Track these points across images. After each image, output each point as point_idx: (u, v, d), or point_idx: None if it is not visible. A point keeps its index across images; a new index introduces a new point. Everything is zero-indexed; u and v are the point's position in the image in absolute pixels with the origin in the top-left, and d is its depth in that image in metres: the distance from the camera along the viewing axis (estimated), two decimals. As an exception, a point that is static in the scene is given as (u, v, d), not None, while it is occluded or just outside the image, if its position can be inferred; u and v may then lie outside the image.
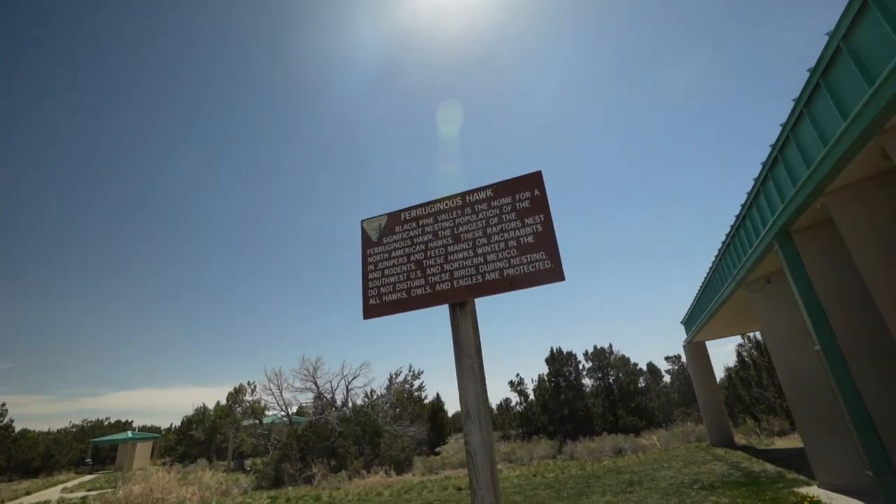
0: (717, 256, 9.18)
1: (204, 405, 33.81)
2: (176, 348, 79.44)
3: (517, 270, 2.30)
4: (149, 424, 50.79)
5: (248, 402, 28.28)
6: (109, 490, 13.14)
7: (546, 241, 2.31)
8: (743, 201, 6.72)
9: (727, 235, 8.04)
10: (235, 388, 30.30)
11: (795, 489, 6.38)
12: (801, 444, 11.84)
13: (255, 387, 28.82)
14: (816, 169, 4.26)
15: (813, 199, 4.62)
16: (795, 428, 16.10)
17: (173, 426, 41.03)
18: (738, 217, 7.14)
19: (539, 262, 2.27)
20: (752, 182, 6.15)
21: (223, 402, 32.06)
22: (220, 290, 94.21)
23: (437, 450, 25.32)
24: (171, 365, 77.71)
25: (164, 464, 27.59)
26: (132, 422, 45.96)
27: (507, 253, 2.36)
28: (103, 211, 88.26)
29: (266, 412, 26.18)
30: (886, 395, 4.58)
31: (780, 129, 4.97)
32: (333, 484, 13.74)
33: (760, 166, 5.69)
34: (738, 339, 23.14)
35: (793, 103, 4.59)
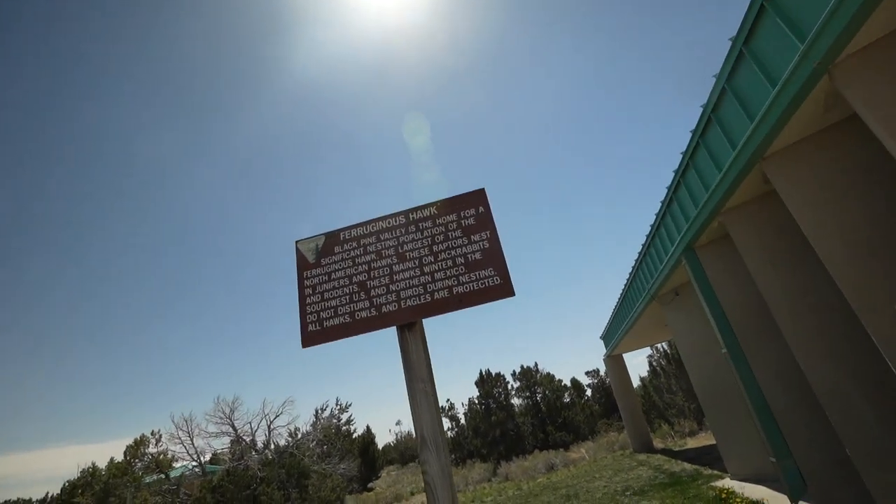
0: (631, 273, 9.99)
1: (93, 465, 28.90)
2: (46, 402, 67.48)
3: (466, 287, 2.26)
4: (14, 497, 42.19)
5: (152, 454, 24.80)
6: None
7: (494, 257, 2.30)
8: (652, 221, 7.43)
9: (640, 253, 8.80)
10: (136, 441, 26.34)
11: (713, 483, 6.93)
12: (709, 443, 13.02)
13: (160, 436, 25.41)
14: (714, 191, 4.84)
15: (712, 218, 5.22)
16: (705, 427, 17.73)
17: (50, 496, 34.52)
18: (648, 236, 7.86)
19: (488, 279, 2.25)
20: (660, 204, 6.83)
21: (119, 458, 27.72)
22: (105, 330, 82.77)
23: (370, 485, 24.05)
24: (41, 422, 65.78)
25: (37, 543, 22.90)
26: (-11, 496, 37.87)
27: (455, 270, 2.31)
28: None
29: (173, 464, 23.11)
30: (783, 390, 5.20)
31: (680, 156, 5.60)
32: (256, 539, 12.32)
33: (666, 189, 6.35)
34: (648, 351, 25.23)
35: (690, 134, 5.21)
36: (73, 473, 31.26)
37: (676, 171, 5.88)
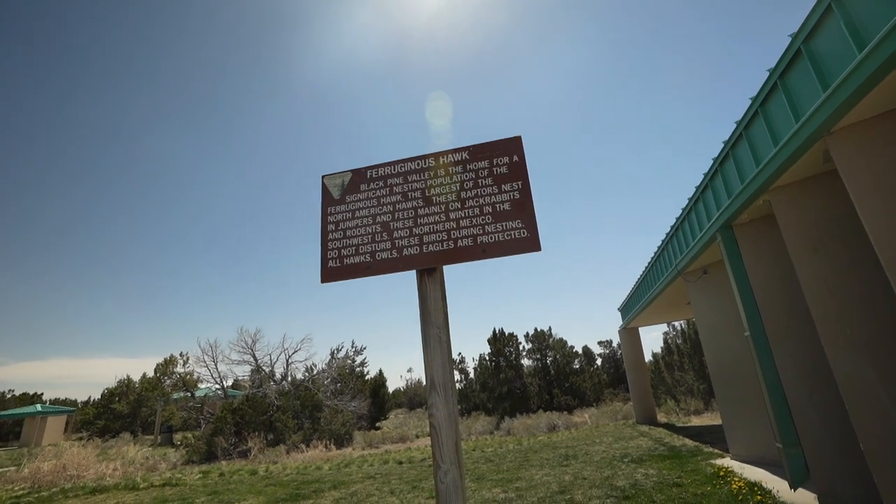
0: (660, 246, 9.67)
1: (128, 377, 31.51)
2: (95, 315, 72.96)
3: (491, 238, 2.18)
4: (62, 397, 46.70)
5: (179, 374, 26.77)
6: (12, 468, 11.90)
7: (523, 209, 2.20)
8: (690, 195, 7.05)
9: (672, 227, 8.45)
10: (165, 360, 28.52)
11: (712, 461, 6.99)
12: (714, 422, 13.08)
13: (187, 358, 27.33)
14: (766, 166, 4.49)
15: (758, 196, 4.89)
16: (711, 407, 17.78)
17: (92, 399, 37.98)
18: (684, 209, 7.50)
19: (515, 231, 2.16)
20: (702, 176, 6.45)
21: (150, 374, 30.05)
22: (149, 252, 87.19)
23: (378, 424, 25.46)
24: (90, 333, 71.54)
25: (80, 439, 25.54)
26: (42, 394, 42.04)
27: (482, 219, 2.23)
28: (13, 162, 77.99)
29: (199, 385, 24.92)
30: (800, 377, 5.05)
31: (734, 125, 5.19)
32: (270, 458, 13.36)
33: (711, 161, 5.95)
34: (663, 328, 25.03)
35: (749, 101, 4.79)
36: (111, 382, 34.24)
37: (726, 142, 5.48)
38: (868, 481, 4.39)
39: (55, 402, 43.17)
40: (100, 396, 31.16)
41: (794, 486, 4.92)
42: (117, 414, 28.84)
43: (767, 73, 4.39)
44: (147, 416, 29.93)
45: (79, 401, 43.79)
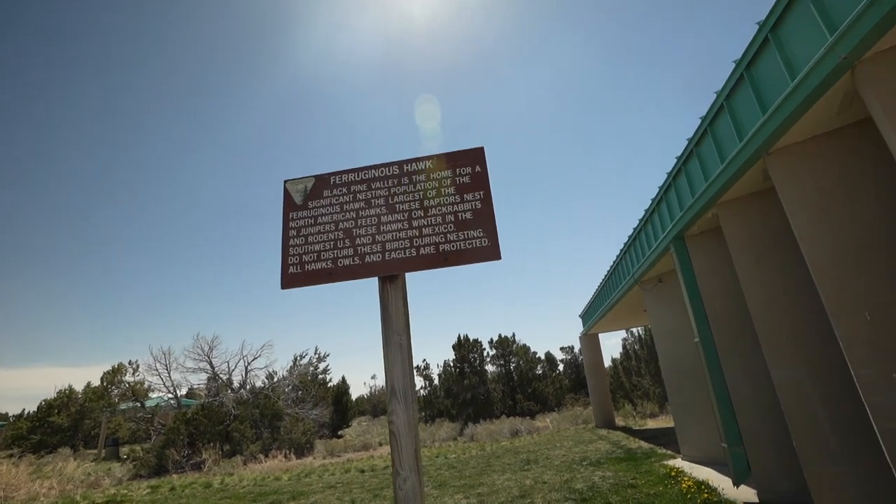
0: (618, 256, 10.07)
1: (70, 387, 29.34)
2: (32, 321, 67.59)
3: (453, 246, 2.22)
4: (-8, 409, 42.86)
5: (129, 383, 25.22)
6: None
7: (485, 218, 2.25)
8: (647, 207, 7.40)
9: (630, 237, 8.83)
10: (113, 368, 26.79)
11: (665, 462, 7.31)
12: (667, 425, 13.66)
13: (137, 366, 25.78)
14: (714, 181, 4.79)
15: (707, 209, 5.21)
16: (665, 410, 18.54)
17: (27, 412, 35.07)
18: (641, 220, 7.86)
19: (476, 240, 2.21)
20: (657, 189, 6.78)
21: (95, 383, 28.13)
22: (96, 253, 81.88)
23: (340, 433, 24.91)
24: (23, 341, 66.13)
25: (10, 456, 23.51)
26: (-33, 406, 38.39)
27: (444, 228, 2.27)
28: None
29: (149, 395, 23.59)
30: (745, 382, 5.40)
31: (686, 143, 5.50)
32: (226, 469, 12.80)
33: (666, 175, 6.28)
34: (623, 334, 25.95)
35: (699, 120, 5.10)
36: (50, 393, 31.77)
37: (679, 157, 5.80)
38: (800, 477, 4.73)
39: (-17, 415, 39.59)
40: (36, 409, 28.82)
41: (736, 483, 5.23)
42: (56, 427, 26.72)
43: (714, 95, 4.70)
44: (91, 429, 27.92)
45: (10, 414, 40.32)
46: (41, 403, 28.43)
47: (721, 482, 5.75)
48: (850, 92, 3.15)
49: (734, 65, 4.25)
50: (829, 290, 3.50)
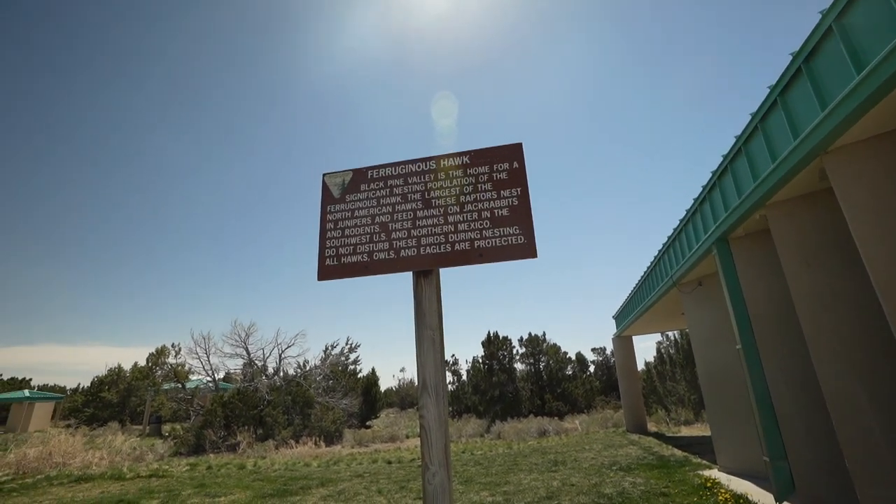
0: (656, 257, 9.72)
1: (119, 366, 31.33)
2: (88, 302, 72.46)
3: (489, 243, 2.20)
4: (51, 384, 46.39)
5: (171, 364, 26.64)
6: (-2, 451, 11.79)
7: (521, 215, 2.22)
8: (689, 206, 7.10)
9: (669, 238, 8.50)
10: (157, 350, 28.42)
11: (700, 472, 7.03)
12: (703, 433, 13.14)
13: (179, 349, 27.20)
14: (763, 182, 4.54)
15: (754, 211, 4.94)
16: (701, 418, 17.85)
17: (81, 387, 37.72)
18: (681, 220, 7.55)
19: (512, 237, 2.18)
20: (700, 189, 6.49)
21: (141, 363, 29.91)
22: (144, 242, 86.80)
23: (368, 423, 25.42)
24: (82, 320, 71.05)
25: (68, 426, 25.36)
26: (30, 380, 41.71)
27: (480, 224, 2.25)
28: (13, 155, 77.49)
29: (190, 377, 24.82)
30: (790, 392, 5.10)
31: (734, 140, 5.23)
32: (259, 453, 13.32)
33: (710, 174, 6.00)
34: (657, 337, 25.10)
35: (749, 117, 4.83)
36: (101, 370, 34.05)
37: (725, 156, 5.53)
38: (851, 497, 4.44)
39: (43, 388, 42.84)
40: (89, 384, 30.96)
41: (779, 500, 4.96)
42: (106, 403, 28.65)
43: (768, 90, 4.44)
44: (136, 406, 29.76)
45: (68, 388, 43.48)
46: (94, 379, 30.54)
47: (761, 497, 5.47)
48: (925, 85, 2.89)
49: (790, 58, 3.99)
50: (889, 296, 3.24)
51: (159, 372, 26.85)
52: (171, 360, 27.49)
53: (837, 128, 3.44)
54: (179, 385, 23.60)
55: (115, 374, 30.62)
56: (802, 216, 4.65)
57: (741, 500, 5.29)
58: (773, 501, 5.11)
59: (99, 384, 29.95)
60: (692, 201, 6.86)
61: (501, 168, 2.36)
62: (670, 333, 23.62)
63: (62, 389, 43.82)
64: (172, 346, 27.75)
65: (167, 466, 10.23)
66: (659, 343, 24.93)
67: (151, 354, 28.61)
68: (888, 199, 3.41)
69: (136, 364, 30.91)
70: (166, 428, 23.29)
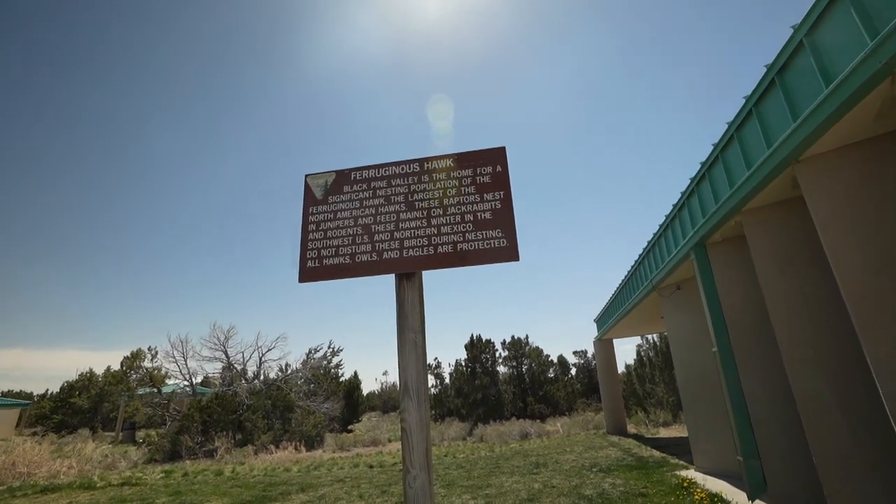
0: (636, 261, 9.90)
1: (91, 370, 30.29)
2: (57, 305, 69.90)
3: (471, 246, 2.21)
4: (17, 390, 44.53)
5: (147, 368, 25.87)
6: (-41, 460, 11.23)
7: (504, 218, 2.24)
8: (668, 212, 7.26)
9: (649, 242, 8.67)
10: (132, 353, 27.55)
11: (677, 472, 7.16)
12: (681, 434, 13.39)
13: (155, 352, 26.43)
14: (739, 189, 4.67)
15: (730, 217, 5.08)
16: (679, 420, 18.19)
17: (50, 392, 36.32)
18: (661, 226, 7.71)
19: (495, 240, 2.20)
20: (679, 195, 6.65)
21: (115, 367, 28.99)
22: (119, 244, 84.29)
23: (350, 427, 25.11)
24: (50, 323, 68.50)
25: (34, 434, 24.36)
26: (-5, 384, 39.89)
27: (463, 227, 2.26)
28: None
29: (166, 381, 24.15)
30: (762, 393, 5.25)
31: (711, 147, 5.38)
32: (237, 458, 13.03)
33: (689, 180, 6.15)
34: (637, 340, 25.55)
35: (726, 126, 4.98)
36: (72, 375, 32.85)
37: (703, 163, 5.67)
38: (819, 494, 4.58)
39: (7, 394, 41.06)
40: (58, 390, 29.83)
41: (751, 498, 5.09)
42: (76, 409, 27.65)
43: (744, 100, 4.58)
44: (109, 413, 28.78)
45: (35, 394, 41.82)
46: (63, 385, 29.43)
47: (735, 496, 5.61)
48: (890, 99, 3.03)
49: (765, 69, 4.13)
50: (856, 303, 3.37)
51: (134, 376, 26.03)
52: (146, 363, 26.70)
53: (808, 138, 3.57)
54: (155, 389, 22.93)
55: (87, 379, 29.58)
56: (777, 223, 4.80)
57: (716, 499, 5.41)
58: (746, 499, 5.24)
59: (69, 389, 28.87)
60: (671, 207, 7.01)
61: (485, 171, 2.37)
62: (650, 336, 24.06)
63: (28, 395, 42.11)
64: (149, 349, 26.96)
65: (141, 474, 9.91)
66: (639, 346, 25.36)
67: (126, 358, 27.76)
68: (858, 209, 3.54)
69: (109, 368, 29.95)
70: (140, 434, 22.58)
